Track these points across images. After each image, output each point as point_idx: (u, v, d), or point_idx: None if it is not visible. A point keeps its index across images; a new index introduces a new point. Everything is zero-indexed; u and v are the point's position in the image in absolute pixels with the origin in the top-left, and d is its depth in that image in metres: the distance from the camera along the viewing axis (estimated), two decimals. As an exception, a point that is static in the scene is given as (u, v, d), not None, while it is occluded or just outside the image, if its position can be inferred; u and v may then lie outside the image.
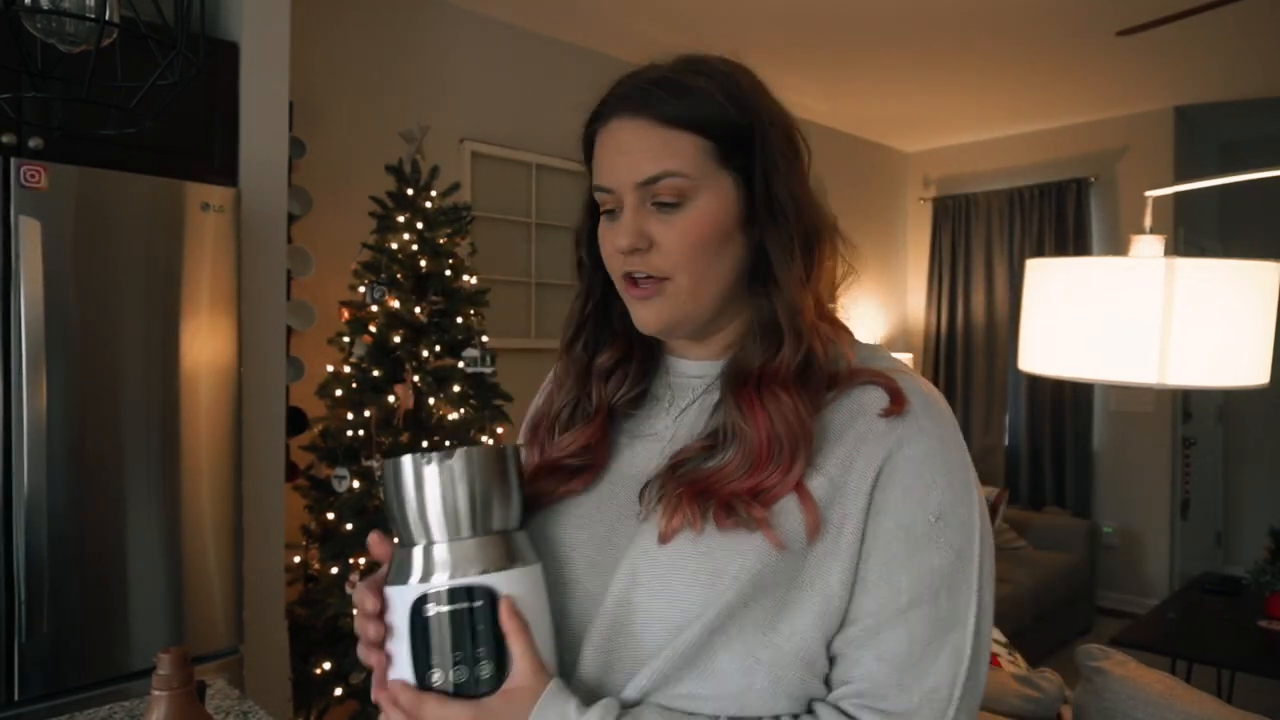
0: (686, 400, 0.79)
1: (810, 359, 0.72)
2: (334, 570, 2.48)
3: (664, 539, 0.68)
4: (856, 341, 0.78)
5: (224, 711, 1.29)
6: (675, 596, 0.67)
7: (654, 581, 0.69)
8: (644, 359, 0.83)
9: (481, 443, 0.73)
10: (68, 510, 1.81)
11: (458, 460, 0.67)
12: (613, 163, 0.73)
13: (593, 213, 0.80)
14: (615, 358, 0.82)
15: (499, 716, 0.64)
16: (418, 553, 0.67)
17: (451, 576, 0.66)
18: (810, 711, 0.68)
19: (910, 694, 0.65)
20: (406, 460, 0.68)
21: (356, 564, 2.45)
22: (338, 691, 2.44)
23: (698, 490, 0.68)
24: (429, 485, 0.67)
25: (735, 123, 0.71)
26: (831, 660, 0.69)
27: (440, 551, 0.67)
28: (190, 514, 2.01)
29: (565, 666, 0.71)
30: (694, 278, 0.72)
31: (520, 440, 0.90)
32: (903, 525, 0.67)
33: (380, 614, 0.69)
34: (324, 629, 2.46)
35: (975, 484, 0.71)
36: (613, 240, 0.74)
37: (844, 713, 0.66)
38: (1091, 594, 4.65)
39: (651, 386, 0.83)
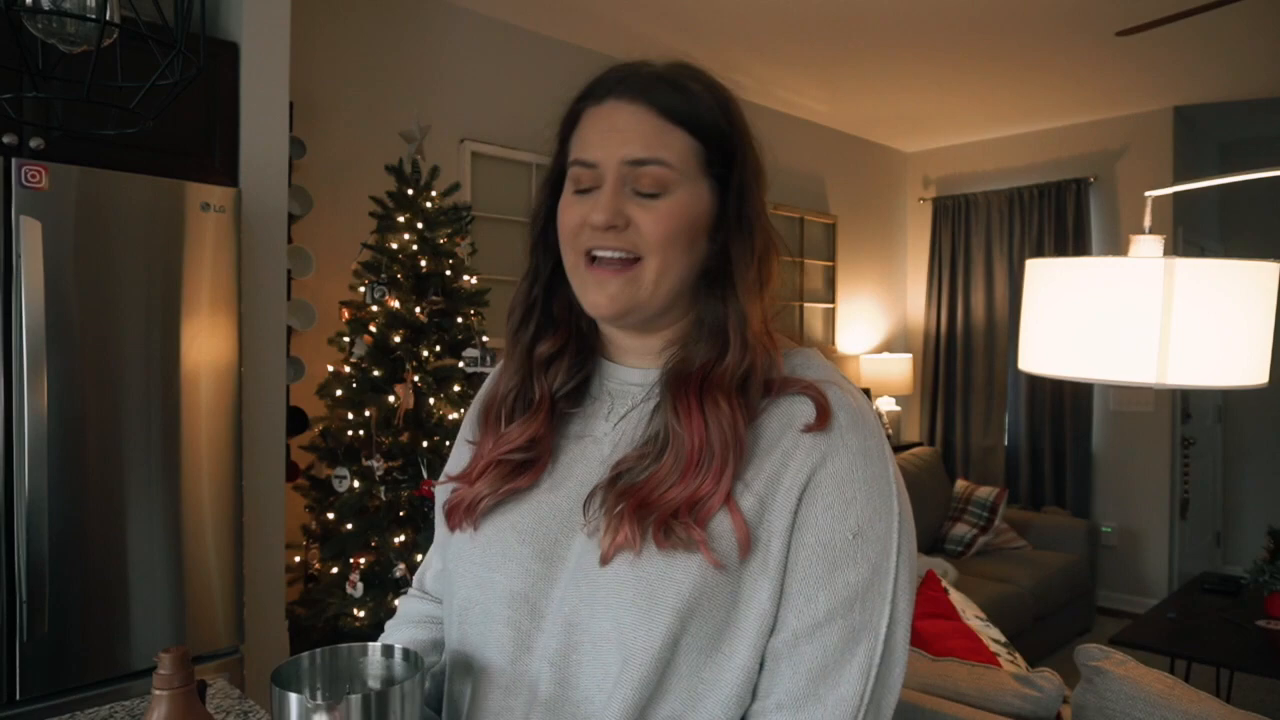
0: (626, 407, 0.80)
1: (751, 369, 0.73)
2: (334, 570, 2.48)
3: (604, 560, 0.70)
4: (795, 348, 0.79)
5: (224, 711, 1.29)
6: (618, 621, 0.69)
7: (595, 605, 0.70)
8: (582, 353, 0.83)
9: (368, 690, 0.72)
10: (68, 510, 1.81)
11: (342, 711, 0.66)
12: (604, 138, 0.74)
13: (551, 193, 0.81)
14: (555, 347, 0.82)
15: None
16: None
17: None
18: None
19: (824, 703, 0.67)
20: (293, 700, 0.67)
21: (356, 564, 2.46)
22: (338, 691, 2.44)
23: (637, 504, 0.69)
24: None
25: (724, 133, 0.75)
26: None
27: None
28: (190, 514, 2.01)
29: (521, 676, 0.73)
30: (662, 264, 0.73)
31: (470, 420, 0.90)
32: (823, 542, 0.69)
33: None
34: (324, 629, 2.46)
35: (896, 494, 0.72)
36: (584, 214, 0.74)
37: None
38: (1091, 594, 4.65)
39: (590, 387, 0.83)
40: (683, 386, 0.73)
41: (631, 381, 0.81)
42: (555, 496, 0.78)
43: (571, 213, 0.76)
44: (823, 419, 0.70)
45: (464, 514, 0.80)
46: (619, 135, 0.73)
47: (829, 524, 0.69)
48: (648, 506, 0.69)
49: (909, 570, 0.71)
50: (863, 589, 0.69)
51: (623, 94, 0.74)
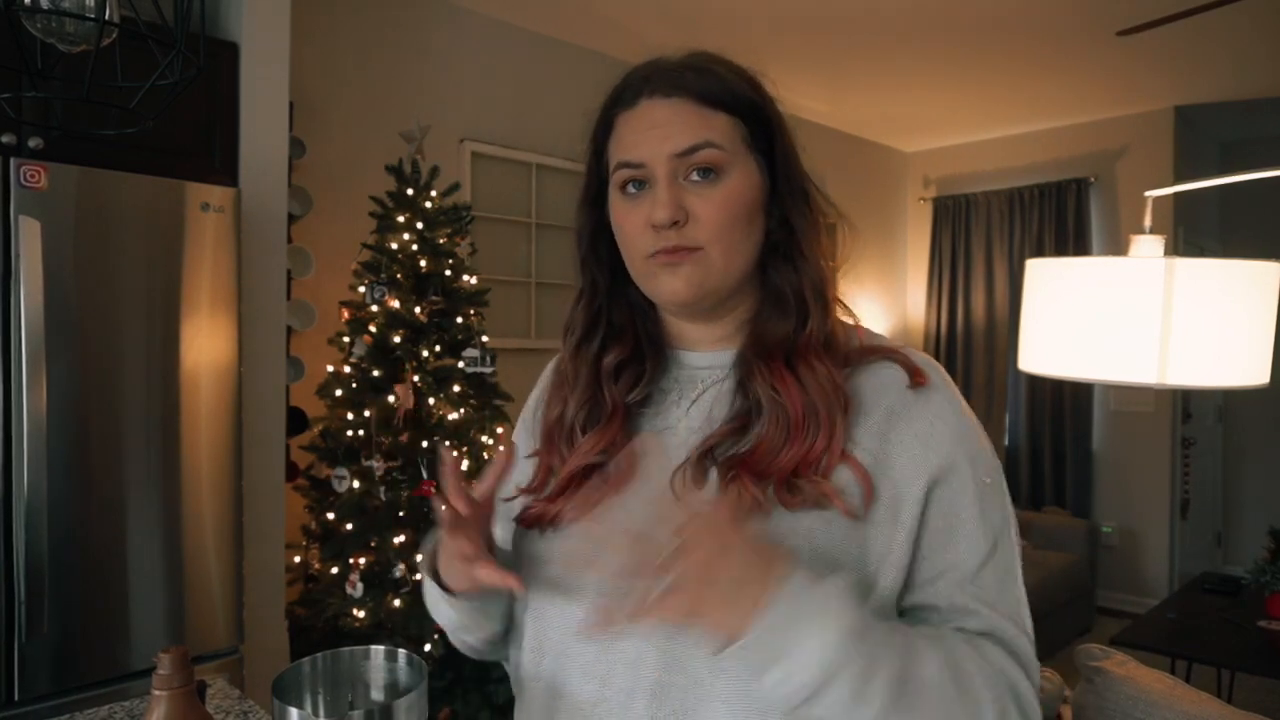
0: (696, 392, 0.79)
1: (833, 332, 0.76)
2: (334, 570, 2.48)
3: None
4: (863, 327, 0.81)
5: (224, 711, 1.29)
6: None
7: None
8: (652, 356, 0.82)
9: (371, 703, 0.71)
10: (68, 510, 1.81)
11: None
12: (646, 137, 0.74)
13: (593, 207, 0.80)
14: (622, 356, 0.82)
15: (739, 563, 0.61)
16: None
17: None
18: (978, 637, 0.72)
19: (1015, 623, 0.72)
20: (294, 716, 0.67)
21: (356, 564, 2.46)
22: (338, 691, 2.44)
23: (750, 471, 0.69)
24: None
25: (760, 108, 0.76)
26: (913, 610, 0.73)
27: None
28: (190, 514, 2.01)
29: (615, 663, 0.72)
30: (726, 249, 0.74)
31: (517, 442, 0.89)
32: (969, 491, 0.72)
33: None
34: (324, 629, 2.46)
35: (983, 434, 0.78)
36: (645, 215, 0.74)
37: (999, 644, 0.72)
38: (1091, 594, 4.65)
39: (661, 382, 0.83)
40: (769, 358, 0.74)
41: (700, 365, 0.81)
42: (642, 486, 0.75)
43: (631, 217, 0.75)
44: (921, 377, 0.74)
45: (547, 523, 0.79)
46: (661, 131, 0.73)
47: (970, 475, 0.72)
48: (762, 473, 0.69)
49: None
50: (1001, 527, 0.74)
51: (655, 91, 0.74)
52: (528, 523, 0.81)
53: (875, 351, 0.76)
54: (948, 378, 0.77)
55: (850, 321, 0.81)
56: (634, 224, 0.75)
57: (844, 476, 0.70)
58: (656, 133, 0.73)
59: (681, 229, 0.73)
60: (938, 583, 0.72)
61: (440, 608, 0.81)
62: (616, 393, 0.81)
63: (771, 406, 0.71)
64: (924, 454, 0.71)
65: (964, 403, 0.76)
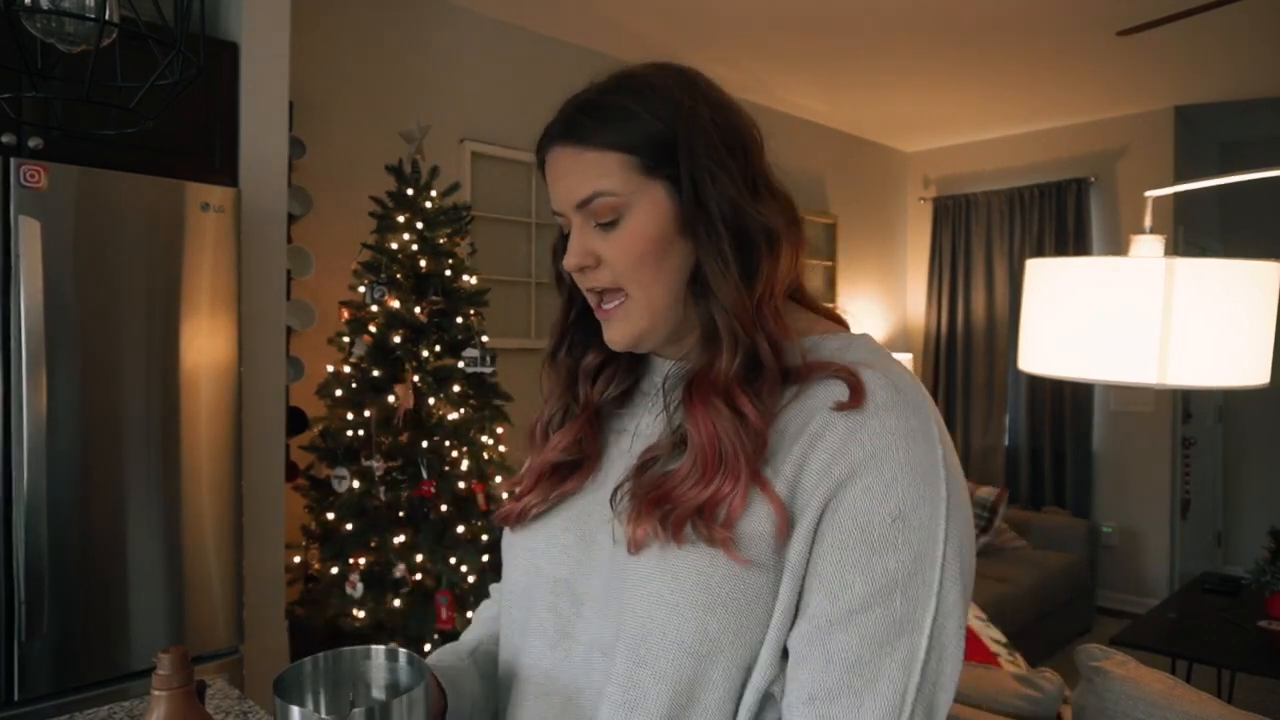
0: (667, 399, 0.80)
1: (754, 362, 0.71)
2: (334, 570, 2.48)
3: (634, 549, 0.69)
4: (839, 333, 0.78)
5: (224, 711, 1.29)
6: (648, 613, 0.68)
7: (624, 594, 0.70)
8: (630, 357, 0.84)
9: (372, 701, 0.71)
10: (68, 510, 1.81)
11: None
12: (555, 189, 0.76)
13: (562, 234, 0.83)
14: (601, 357, 0.83)
15: None
16: None
17: None
18: None
19: (860, 697, 0.63)
20: (296, 714, 0.66)
21: (356, 564, 2.46)
22: (338, 691, 2.44)
23: (656, 500, 0.69)
24: None
25: (658, 134, 0.72)
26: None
27: None
28: (190, 514, 2.01)
29: (561, 663, 0.75)
30: (643, 289, 0.74)
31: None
32: (860, 525, 0.64)
33: None
34: (324, 629, 2.46)
35: (945, 480, 0.67)
36: (564, 261, 0.77)
37: None
38: (1091, 594, 4.65)
39: (639, 383, 0.85)
40: (687, 390, 0.72)
41: (671, 374, 0.81)
42: (600, 490, 0.79)
43: (566, 262, 0.78)
44: (856, 398, 0.66)
45: (515, 520, 0.83)
46: (563, 183, 0.75)
47: (866, 506, 0.64)
48: (666, 502, 0.68)
49: (960, 561, 0.66)
50: (904, 577, 0.64)
51: (556, 140, 0.75)
52: (500, 520, 0.85)
53: (826, 368, 0.70)
54: (906, 402, 0.68)
55: (824, 328, 0.79)
56: (567, 267, 0.77)
57: (759, 512, 0.66)
58: (561, 185, 0.75)
59: (596, 272, 0.75)
60: (799, 626, 0.66)
61: None
62: (592, 392, 0.83)
63: (690, 441, 0.70)
64: (824, 478, 0.66)
65: (919, 429, 0.67)
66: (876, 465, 0.65)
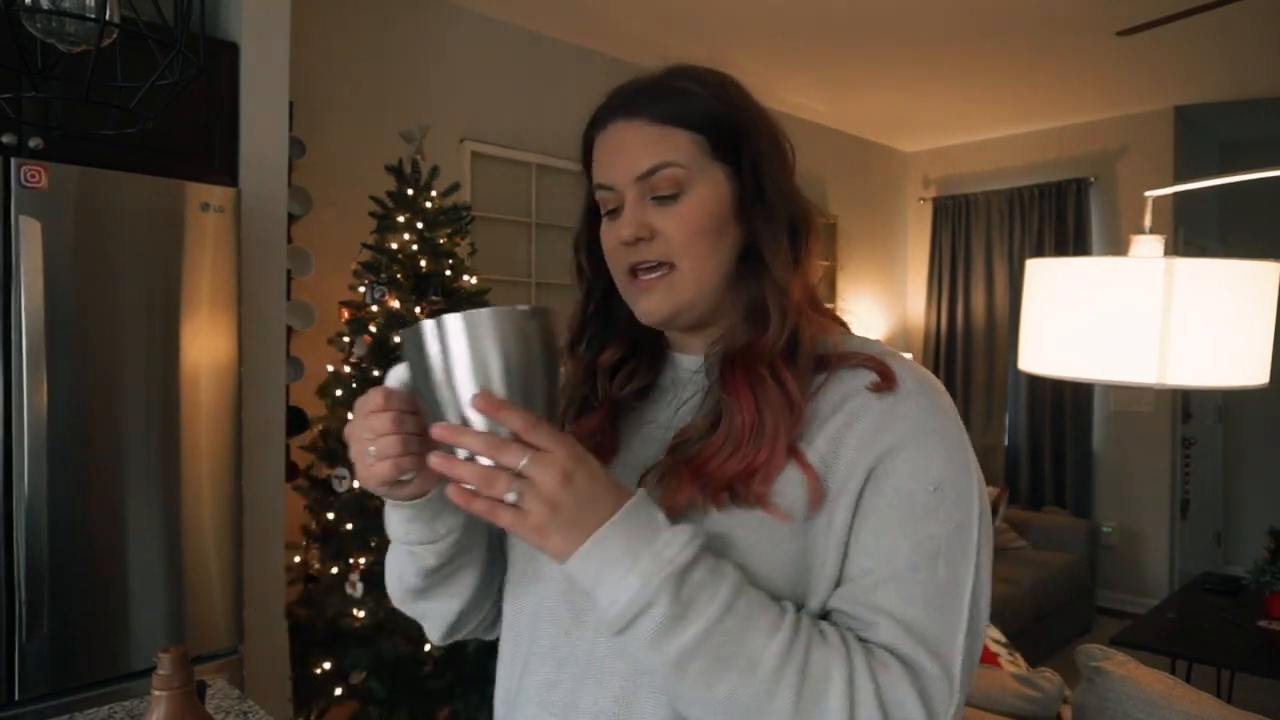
0: (689, 393, 0.81)
1: (795, 340, 0.74)
2: (334, 570, 2.48)
3: (672, 518, 0.68)
4: (851, 334, 0.81)
5: (224, 711, 1.29)
6: None
7: None
8: (648, 355, 0.86)
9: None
10: (68, 510, 1.81)
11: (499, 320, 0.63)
12: (612, 161, 0.77)
13: (590, 219, 0.83)
14: (619, 354, 0.85)
15: (586, 491, 0.62)
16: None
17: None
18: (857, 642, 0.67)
19: (916, 651, 0.65)
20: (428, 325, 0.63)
21: (356, 564, 2.46)
22: (338, 691, 2.44)
23: (693, 470, 0.71)
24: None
25: (723, 118, 0.76)
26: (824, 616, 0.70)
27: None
28: (190, 514, 2.01)
29: (575, 648, 0.75)
30: (696, 263, 0.75)
31: None
32: (902, 493, 0.68)
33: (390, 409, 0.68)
34: (324, 629, 2.46)
35: (975, 466, 0.72)
36: (615, 234, 0.77)
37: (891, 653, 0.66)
38: (1091, 594, 4.65)
39: (658, 379, 0.86)
40: (729, 364, 0.75)
41: (691, 369, 0.83)
42: (620, 476, 0.78)
43: (608, 236, 0.79)
44: (890, 382, 0.71)
45: None
46: (624, 155, 0.76)
47: (909, 477, 0.68)
48: (704, 471, 0.70)
49: (990, 547, 0.71)
50: (945, 545, 0.67)
51: (619, 114, 0.77)
52: None
53: (854, 357, 0.74)
54: (934, 387, 0.73)
55: (841, 329, 0.81)
56: (609, 241, 0.78)
57: (791, 479, 0.69)
58: (622, 157, 0.76)
59: (649, 244, 0.75)
60: (846, 585, 0.68)
61: (394, 528, 0.78)
62: (611, 387, 0.84)
63: (726, 414, 0.72)
64: (865, 451, 0.69)
65: (948, 413, 0.72)
66: (916, 440, 0.69)
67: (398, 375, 0.69)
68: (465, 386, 0.62)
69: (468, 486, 0.62)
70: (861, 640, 0.66)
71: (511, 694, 0.81)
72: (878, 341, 0.80)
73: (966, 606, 0.68)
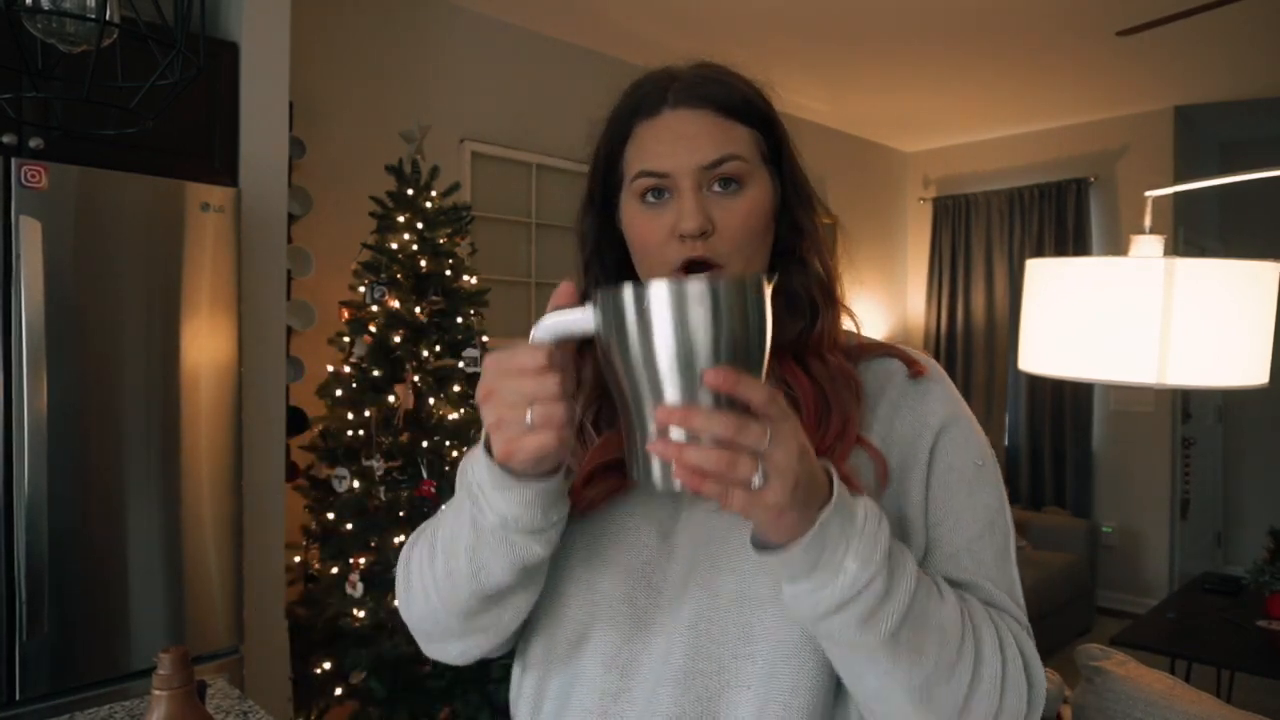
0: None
1: (839, 329, 0.80)
2: (334, 570, 2.48)
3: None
4: (855, 331, 0.85)
5: (224, 711, 1.29)
6: (755, 578, 0.71)
7: (719, 565, 0.71)
8: None
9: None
10: (68, 510, 1.81)
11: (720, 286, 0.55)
12: (672, 148, 0.73)
13: (599, 212, 0.80)
14: None
15: (813, 464, 0.58)
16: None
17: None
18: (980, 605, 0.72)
19: (1006, 597, 0.73)
20: (659, 287, 0.55)
21: (356, 564, 2.46)
22: (338, 691, 2.44)
23: None
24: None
25: (773, 121, 0.79)
26: None
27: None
28: (190, 514, 2.01)
29: (639, 654, 0.72)
30: (745, 260, 0.75)
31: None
32: (958, 471, 0.75)
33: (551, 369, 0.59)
34: (324, 629, 2.46)
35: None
36: (669, 224, 0.73)
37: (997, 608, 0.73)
38: (1091, 594, 4.65)
39: None
40: (782, 356, 0.75)
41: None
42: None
43: (653, 226, 0.74)
44: (920, 368, 0.77)
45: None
46: (688, 142, 0.73)
47: (961, 456, 0.75)
48: None
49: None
50: (996, 510, 0.75)
51: (679, 101, 0.74)
52: None
53: (877, 348, 0.80)
54: (944, 374, 0.81)
55: (851, 326, 0.84)
56: (656, 233, 0.74)
57: (859, 460, 0.73)
58: (683, 144, 0.73)
59: (708, 240, 0.72)
60: (934, 555, 0.74)
61: (503, 511, 0.65)
62: None
63: (795, 398, 0.74)
64: (922, 435, 0.75)
65: (959, 397, 0.80)
66: (956, 421, 0.76)
67: (553, 328, 0.60)
68: (703, 358, 0.54)
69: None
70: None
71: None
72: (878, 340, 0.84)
73: (1014, 563, 0.76)
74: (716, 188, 0.73)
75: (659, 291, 0.54)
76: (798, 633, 0.68)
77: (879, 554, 0.60)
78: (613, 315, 0.56)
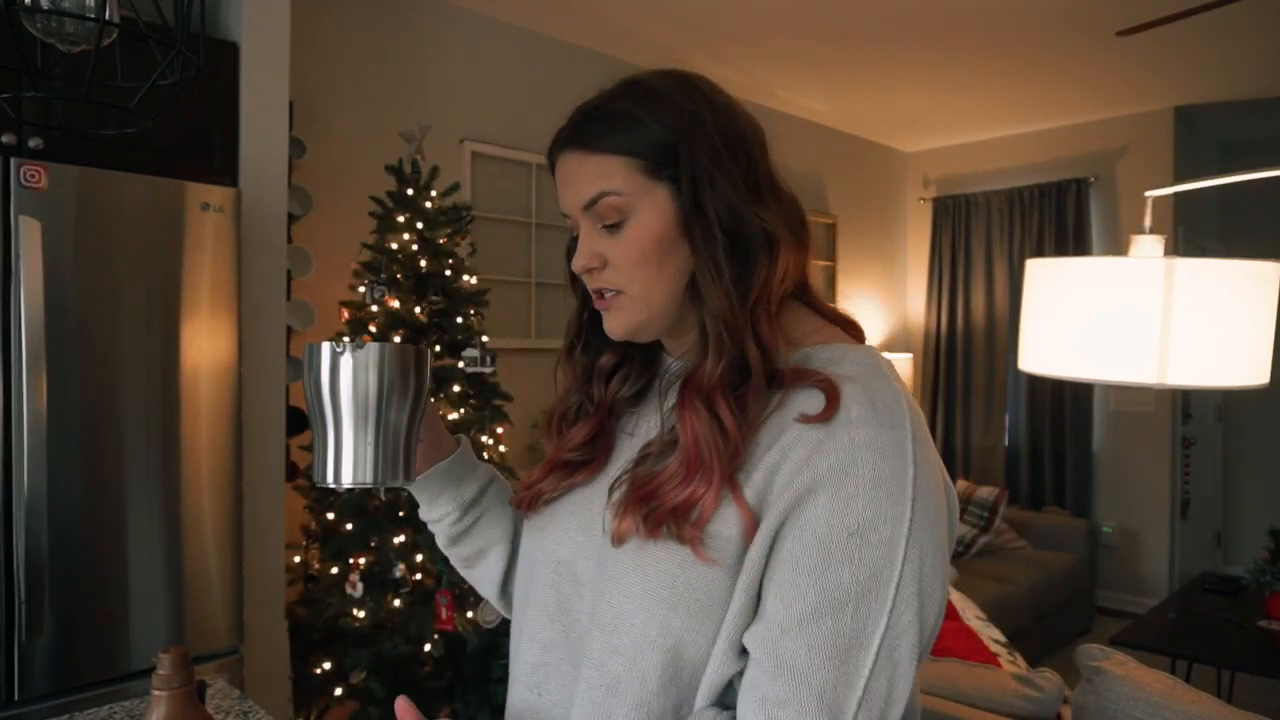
0: (673, 400, 0.80)
1: (742, 368, 0.72)
2: (334, 570, 2.48)
3: (616, 542, 0.73)
4: (836, 344, 0.76)
5: (224, 711, 1.29)
6: (623, 604, 0.73)
7: (607, 583, 0.74)
8: (642, 358, 0.87)
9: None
10: (68, 510, 1.81)
11: (366, 355, 0.75)
12: (562, 193, 0.79)
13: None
14: (616, 358, 0.87)
15: None
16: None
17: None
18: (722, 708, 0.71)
19: (805, 709, 0.63)
20: (325, 348, 0.76)
21: (356, 564, 2.46)
22: (338, 691, 2.44)
23: (643, 496, 0.72)
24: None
25: (661, 138, 0.74)
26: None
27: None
28: (190, 514, 2.01)
29: (559, 637, 0.80)
30: (643, 288, 0.76)
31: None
32: (819, 536, 0.65)
33: None
34: (324, 629, 2.46)
35: (912, 500, 0.66)
36: (573, 263, 0.80)
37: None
38: (1091, 594, 4.65)
39: (654, 382, 0.87)
40: (681, 391, 0.74)
41: (671, 373, 0.83)
42: (606, 482, 0.81)
43: (574, 263, 0.81)
44: (828, 410, 0.67)
45: (528, 505, 0.88)
46: (570, 187, 0.78)
47: (827, 518, 0.65)
48: (652, 499, 0.71)
49: (919, 582, 0.66)
50: (858, 593, 0.64)
51: (560, 146, 0.79)
52: (514, 505, 0.91)
53: (808, 377, 0.70)
54: (883, 418, 0.67)
55: (837, 331, 0.80)
56: (575, 267, 0.80)
57: (728, 516, 0.68)
58: (568, 188, 0.78)
59: (601, 273, 0.77)
60: (756, 624, 0.67)
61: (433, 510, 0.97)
62: (605, 392, 0.86)
63: (680, 439, 0.72)
64: (788, 488, 0.66)
65: (891, 445, 0.66)
66: (839, 479, 0.65)
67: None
68: (344, 399, 0.75)
69: None
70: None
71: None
72: (869, 349, 0.76)
73: (873, 655, 0.64)
74: (603, 226, 0.76)
75: (310, 351, 0.76)
76: (658, 662, 0.71)
77: None
78: (304, 360, 0.77)
